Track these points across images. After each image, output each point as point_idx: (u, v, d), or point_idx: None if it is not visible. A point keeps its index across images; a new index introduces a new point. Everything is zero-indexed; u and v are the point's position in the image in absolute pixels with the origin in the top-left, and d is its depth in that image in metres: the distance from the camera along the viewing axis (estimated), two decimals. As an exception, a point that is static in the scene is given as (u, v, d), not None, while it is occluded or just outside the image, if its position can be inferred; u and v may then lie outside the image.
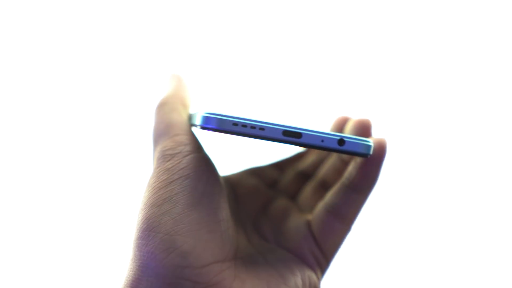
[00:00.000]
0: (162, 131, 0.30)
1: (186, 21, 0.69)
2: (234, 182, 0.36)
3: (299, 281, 0.29)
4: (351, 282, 0.69)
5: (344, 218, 0.30)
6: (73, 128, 0.68)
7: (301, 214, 0.33)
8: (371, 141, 0.28)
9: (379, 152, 0.29)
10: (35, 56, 0.68)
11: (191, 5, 0.69)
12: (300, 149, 0.40)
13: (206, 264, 0.27)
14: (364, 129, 0.32)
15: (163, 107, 0.31)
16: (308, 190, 0.35)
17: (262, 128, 0.26)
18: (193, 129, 0.32)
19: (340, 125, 0.36)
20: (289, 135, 0.26)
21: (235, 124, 0.26)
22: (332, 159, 0.35)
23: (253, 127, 0.26)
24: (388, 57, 0.71)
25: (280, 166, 0.39)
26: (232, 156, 0.58)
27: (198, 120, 0.27)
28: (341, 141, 0.27)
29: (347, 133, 0.33)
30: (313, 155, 0.39)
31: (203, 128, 0.27)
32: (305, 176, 0.37)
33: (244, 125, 0.26)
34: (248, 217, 0.34)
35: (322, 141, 0.26)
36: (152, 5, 0.69)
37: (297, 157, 0.40)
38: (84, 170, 0.68)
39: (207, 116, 0.26)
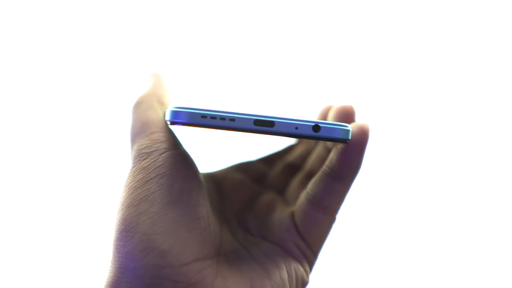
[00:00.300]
0: (139, 130, 0.30)
1: (166, 20, 0.69)
2: (219, 178, 0.35)
3: (284, 274, 0.29)
4: (346, 279, 0.68)
5: (326, 208, 0.29)
6: (54, 128, 0.68)
7: (286, 206, 0.32)
8: (349, 126, 0.27)
9: (360, 138, 0.28)
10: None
11: (170, 4, 0.69)
12: (291, 142, 0.39)
13: (186, 263, 0.26)
14: (346, 115, 0.31)
15: (140, 106, 0.31)
16: (295, 182, 0.35)
17: (232, 119, 0.25)
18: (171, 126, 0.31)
19: (326, 115, 0.35)
20: (261, 125, 0.25)
21: (204, 116, 0.25)
22: (318, 148, 0.34)
23: (223, 118, 0.25)
24: (374, 47, 0.70)
25: (270, 160, 0.39)
26: (223, 152, 0.58)
27: (167, 115, 0.26)
28: (316, 127, 0.26)
29: (330, 120, 0.32)
30: (302, 146, 0.38)
31: (172, 123, 0.26)
32: (294, 168, 0.37)
33: (214, 117, 0.25)
34: (233, 212, 0.33)
35: (296, 128, 0.25)
36: (134, 6, 0.69)
37: (287, 150, 0.39)
38: (71, 170, 0.68)
39: (175, 111, 0.25)
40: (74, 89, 0.68)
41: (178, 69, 0.67)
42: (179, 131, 0.32)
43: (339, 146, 0.29)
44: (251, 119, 0.25)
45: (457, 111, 0.70)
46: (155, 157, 0.28)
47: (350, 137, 0.27)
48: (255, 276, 0.28)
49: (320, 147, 0.35)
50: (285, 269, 0.29)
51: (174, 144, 0.29)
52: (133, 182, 0.28)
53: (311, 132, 0.26)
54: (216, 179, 0.35)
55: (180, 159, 0.28)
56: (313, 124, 0.26)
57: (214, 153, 0.57)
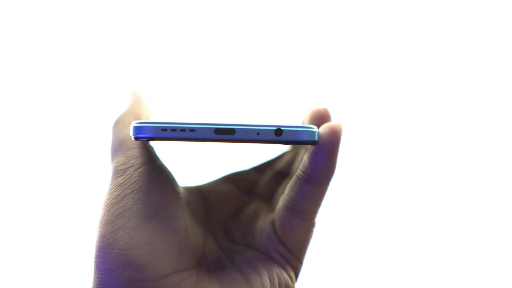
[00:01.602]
0: (116, 148, 0.31)
1: (148, 40, 0.70)
2: (205, 190, 0.36)
3: (266, 280, 0.28)
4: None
5: (301, 212, 0.29)
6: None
7: (270, 213, 0.32)
8: (314, 128, 0.27)
9: (330, 138, 0.27)
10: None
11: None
12: (285, 149, 0.39)
13: (163, 276, 0.27)
14: (320, 118, 0.31)
15: (118, 125, 0.32)
16: (281, 189, 0.34)
17: (192, 130, 0.25)
18: (152, 142, 0.32)
19: (313, 119, 0.35)
20: (222, 133, 0.25)
21: (164, 129, 0.25)
22: (302, 153, 0.34)
23: (183, 129, 0.25)
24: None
25: (262, 168, 0.39)
26: (217, 163, 0.58)
27: (130, 132, 0.27)
28: (279, 131, 0.26)
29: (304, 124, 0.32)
30: (291, 152, 0.38)
31: (136, 138, 0.26)
32: (282, 175, 0.36)
33: (174, 129, 0.25)
34: (218, 223, 0.34)
35: (258, 134, 0.25)
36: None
37: (279, 158, 0.39)
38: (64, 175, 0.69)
39: (136, 126, 0.26)
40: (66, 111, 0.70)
41: (159, 85, 0.68)
42: (159, 146, 0.32)
43: (310, 148, 0.29)
44: (212, 128, 0.25)
45: (452, 112, 0.69)
46: (130, 173, 0.29)
47: (317, 139, 0.27)
48: (234, 284, 0.28)
49: (303, 151, 0.34)
50: (267, 275, 0.29)
51: (150, 159, 0.30)
52: (110, 199, 0.28)
53: (273, 137, 0.26)
54: (202, 192, 0.36)
55: (155, 173, 0.29)
56: (275, 128, 0.26)
57: (207, 165, 0.57)
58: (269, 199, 0.35)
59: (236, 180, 0.37)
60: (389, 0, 0.69)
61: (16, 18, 0.70)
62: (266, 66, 0.69)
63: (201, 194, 0.35)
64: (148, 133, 0.26)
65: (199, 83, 0.68)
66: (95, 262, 0.27)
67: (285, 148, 0.39)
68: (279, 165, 0.37)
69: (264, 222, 0.31)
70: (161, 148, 0.34)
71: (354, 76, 0.70)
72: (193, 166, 0.56)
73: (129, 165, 0.29)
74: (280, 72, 0.69)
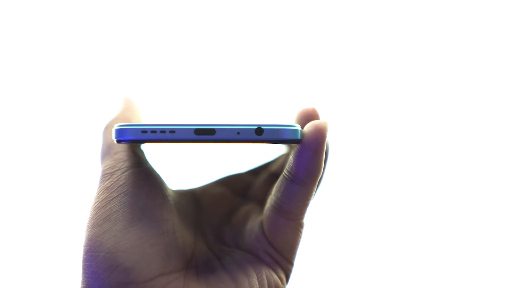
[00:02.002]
0: (105, 152, 0.31)
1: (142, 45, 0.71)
2: (199, 193, 0.36)
3: (254, 282, 0.28)
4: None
5: (288, 213, 0.29)
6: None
7: (261, 215, 0.32)
8: (297, 126, 0.27)
9: (314, 136, 0.27)
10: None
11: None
12: (282, 151, 0.39)
13: (150, 278, 0.27)
14: (307, 118, 0.31)
15: (107, 130, 0.32)
16: (271, 189, 0.34)
17: (172, 131, 0.25)
18: (143, 145, 0.32)
19: (301, 119, 0.34)
20: (202, 133, 0.25)
21: (144, 131, 0.25)
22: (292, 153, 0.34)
23: (162, 131, 0.25)
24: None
25: (258, 171, 0.39)
26: (215, 165, 0.58)
27: (113, 135, 0.27)
28: (259, 130, 0.25)
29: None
30: (288, 154, 0.37)
31: (118, 141, 0.27)
32: (277, 177, 0.36)
33: (154, 131, 0.25)
34: (211, 225, 0.33)
35: (238, 133, 0.25)
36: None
37: (275, 160, 0.39)
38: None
39: (117, 129, 0.26)
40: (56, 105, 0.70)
41: (152, 89, 0.68)
42: (148, 149, 0.33)
43: (295, 147, 0.29)
44: (191, 129, 0.25)
45: (442, 109, 0.69)
46: (117, 176, 0.29)
47: (300, 137, 0.27)
48: (222, 286, 0.28)
49: (293, 151, 0.34)
50: (256, 277, 0.28)
51: (137, 162, 0.30)
52: (97, 203, 0.28)
53: (254, 136, 0.25)
54: (196, 194, 0.36)
55: (142, 176, 0.29)
56: (255, 127, 0.26)
57: (204, 168, 0.57)
58: (262, 201, 0.35)
59: (230, 182, 0.37)
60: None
61: (4, 22, 0.70)
62: (256, 66, 0.69)
63: (194, 196, 0.35)
64: (129, 136, 0.26)
65: (191, 87, 0.68)
66: (82, 265, 0.28)
67: (282, 149, 0.39)
68: (274, 167, 0.37)
69: (254, 223, 0.31)
70: (156, 152, 0.34)
71: (340, 74, 0.69)
72: (189, 170, 0.56)
73: (116, 168, 0.29)
74: (269, 73, 0.69)
